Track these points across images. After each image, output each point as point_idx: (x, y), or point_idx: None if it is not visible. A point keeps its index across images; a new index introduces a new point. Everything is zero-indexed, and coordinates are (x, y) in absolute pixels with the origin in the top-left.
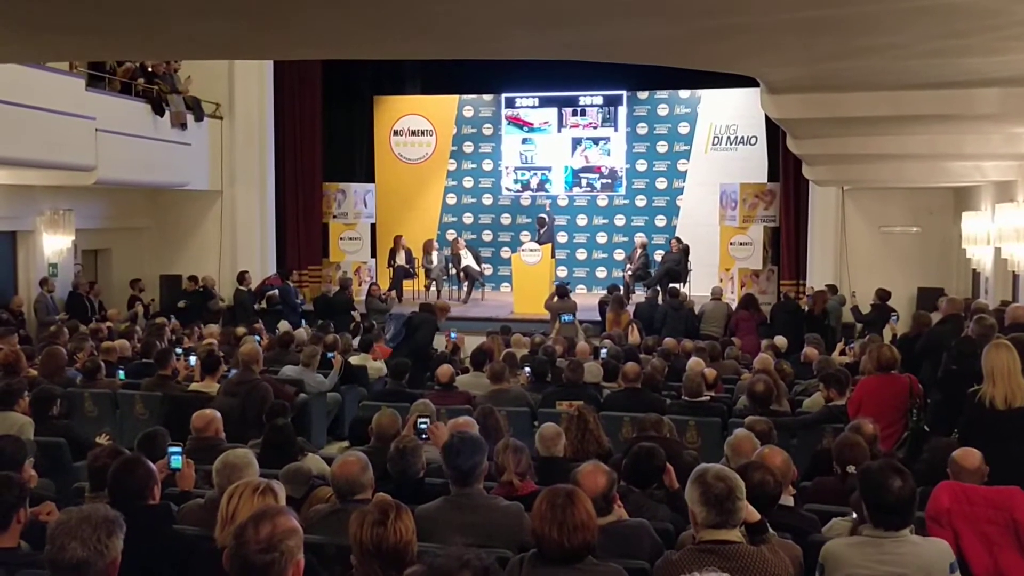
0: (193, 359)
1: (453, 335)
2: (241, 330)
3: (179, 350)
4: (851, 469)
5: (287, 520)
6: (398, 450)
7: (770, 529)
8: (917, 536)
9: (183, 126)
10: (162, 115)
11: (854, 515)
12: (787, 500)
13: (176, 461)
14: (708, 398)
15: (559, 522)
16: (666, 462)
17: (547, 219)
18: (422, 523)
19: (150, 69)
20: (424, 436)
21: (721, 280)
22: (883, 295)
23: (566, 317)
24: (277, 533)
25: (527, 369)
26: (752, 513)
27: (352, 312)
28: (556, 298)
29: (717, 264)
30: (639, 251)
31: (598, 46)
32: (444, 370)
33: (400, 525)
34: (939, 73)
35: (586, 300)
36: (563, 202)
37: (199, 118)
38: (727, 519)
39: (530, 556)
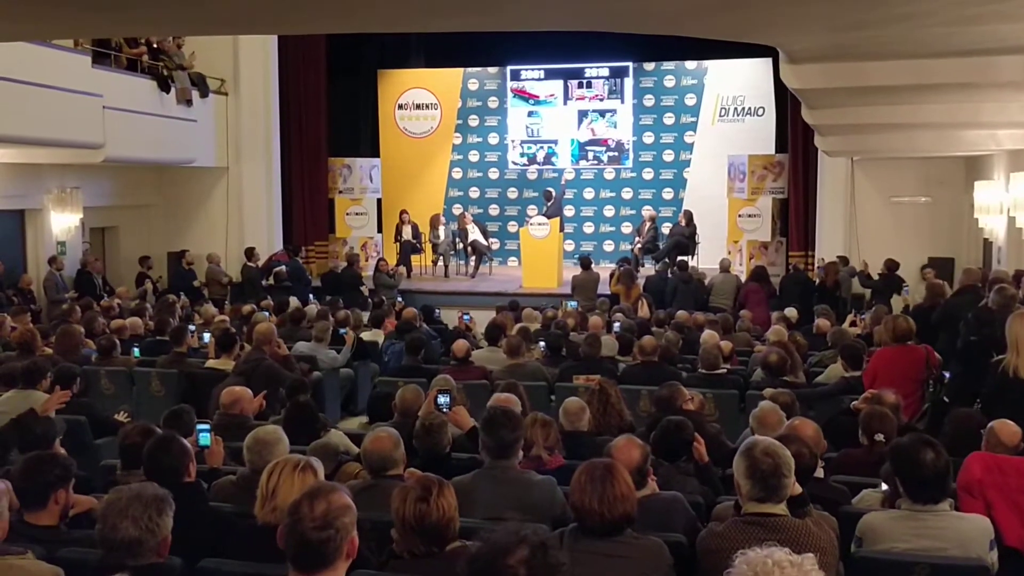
0: (207, 336)
1: (467, 317)
2: (248, 307)
3: (192, 327)
4: (879, 438)
5: (341, 497)
6: (424, 427)
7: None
8: (958, 512)
9: (189, 103)
10: (168, 92)
11: (884, 486)
12: (818, 472)
13: (205, 438)
14: (725, 370)
15: (599, 494)
16: (695, 434)
17: (554, 192)
18: (457, 495)
19: (155, 45)
20: (444, 411)
21: (729, 252)
22: (891, 265)
23: (571, 304)
24: (332, 510)
25: (542, 343)
26: (795, 487)
27: (360, 288)
28: (581, 270)
29: (725, 236)
30: (648, 224)
31: (620, 16)
32: (460, 345)
33: (443, 501)
34: (962, 41)
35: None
36: (570, 175)
37: (204, 94)
38: (772, 494)
39: (571, 529)
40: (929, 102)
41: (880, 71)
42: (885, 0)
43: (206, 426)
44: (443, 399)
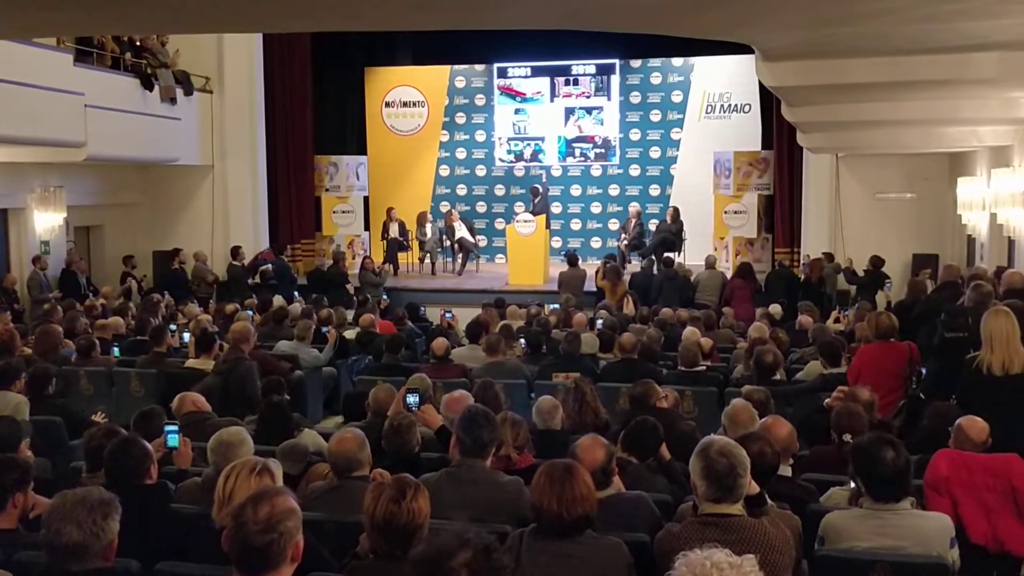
0: (187, 336)
1: (448, 315)
2: (231, 306)
3: (173, 326)
4: (847, 438)
5: (286, 500)
6: (392, 427)
7: (769, 500)
8: (919, 510)
9: (173, 101)
10: (151, 90)
11: (852, 484)
12: (785, 470)
13: (173, 439)
14: (704, 368)
15: (558, 495)
16: (662, 437)
17: (540, 189)
18: None
19: (138, 43)
20: (413, 410)
21: (716, 249)
22: (877, 262)
23: (553, 306)
24: (276, 514)
25: (522, 341)
26: (752, 486)
27: (346, 286)
28: (568, 267)
29: (711, 233)
30: (634, 220)
31: (593, 14)
32: (439, 343)
33: (415, 505)
34: (937, 38)
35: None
36: (556, 172)
37: (188, 92)
38: (728, 494)
39: (530, 530)
40: (907, 99)
41: (856, 68)
42: None
43: (175, 427)
44: (412, 398)
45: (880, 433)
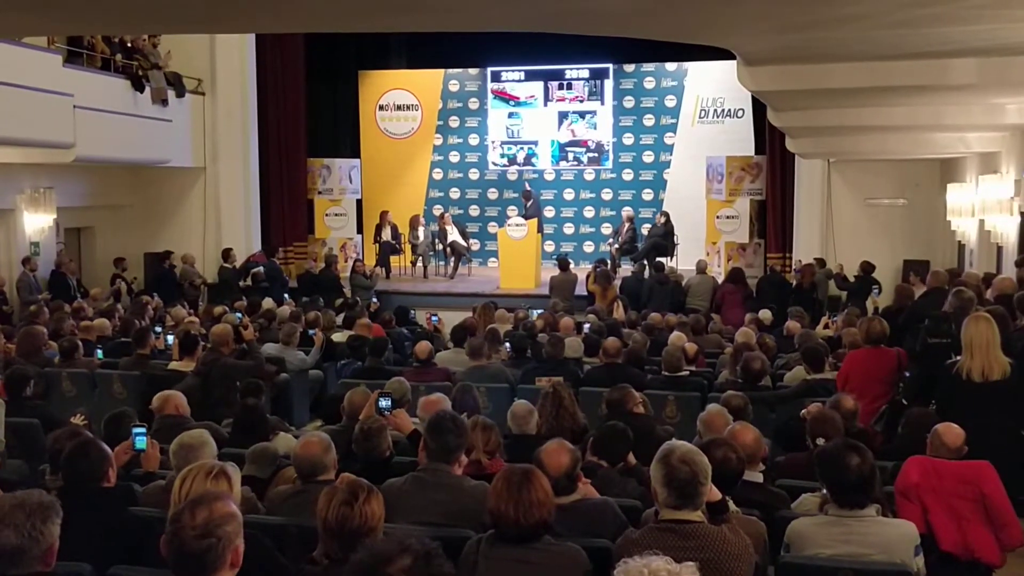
0: (171, 338)
1: (435, 318)
2: (220, 309)
3: (158, 328)
4: (820, 442)
5: (225, 505)
6: (363, 431)
7: (732, 507)
8: (884, 517)
9: (164, 102)
10: (142, 91)
11: (824, 490)
12: (756, 476)
13: (140, 441)
14: (687, 373)
15: (515, 500)
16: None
17: (532, 193)
18: (387, 499)
19: (129, 44)
20: (385, 414)
21: (708, 254)
22: (867, 268)
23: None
24: (214, 519)
25: (507, 345)
26: (713, 493)
27: (342, 289)
28: (559, 271)
29: (704, 238)
30: (626, 225)
31: (565, 17)
32: (422, 347)
33: (368, 508)
34: (913, 43)
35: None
36: (550, 176)
37: (180, 94)
38: (688, 502)
39: (488, 536)
40: (889, 104)
41: (835, 73)
42: (815, 2)
43: (142, 429)
44: (384, 402)
45: (847, 439)
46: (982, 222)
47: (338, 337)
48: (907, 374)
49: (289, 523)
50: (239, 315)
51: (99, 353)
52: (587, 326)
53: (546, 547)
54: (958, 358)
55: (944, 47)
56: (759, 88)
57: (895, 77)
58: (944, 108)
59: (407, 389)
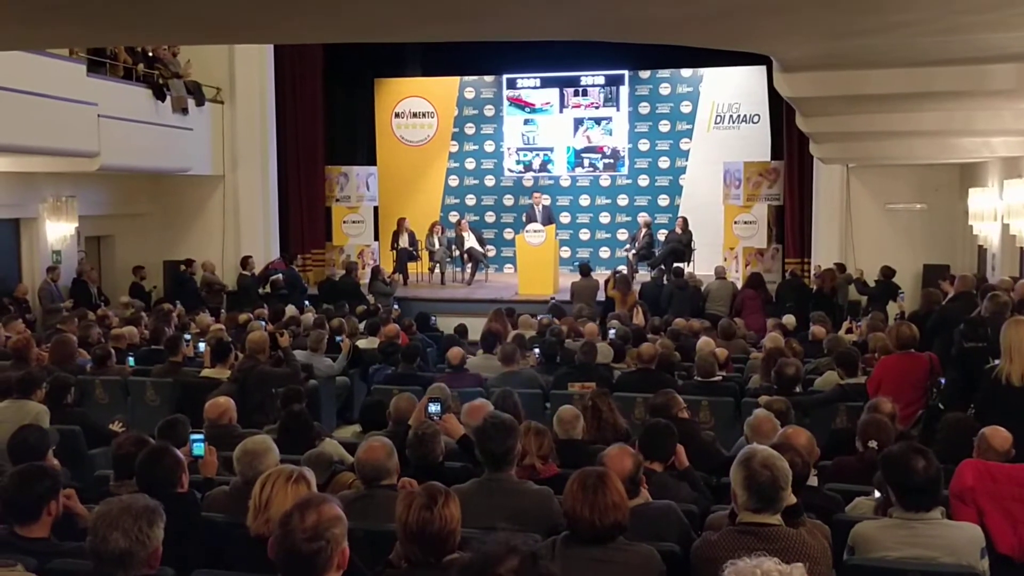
0: (202, 345)
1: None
2: (244, 316)
3: (187, 336)
4: (872, 444)
5: (332, 508)
6: (417, 436)
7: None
8: (950, 520)
9: (184, 111)
10: (163, 100)
11: (877, 493)
12: (810, 480)
13: (198, 448)
14: (720, 377)
15: (591, 502)
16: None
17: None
18: None
19: (151, 54)
20: (436, 419)
21: (725, 259)
22: (888, 272)
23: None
24: (323, 521)
25: (536, 350)
26: (790, 497)
27: (365, 295)
28: (580, 277)
29: (721, 243)
30: (643, 231)
31: (616, 25)
32: (454, 352)
33: (447, 512)
34: (955, 49)
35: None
36: (565, 182)
37: (200, 103)
38: (769, 505)
39: (563, 537)
40: (922, 110)
41: (873, 79)
42: (879, 7)
43: (200, 436)
44: (434, 407)
45: (912, 443)
46: (1006, 226)
47: (362, 343)
48: (941, 379)
49: (356, 528)
50: (263, 322)
51: (131, 360)
52: (612, 331)
53: (621, 548)
54: (997, 362)
55: (985, 52)
56: (796, 94)
57: (934, 83)
58: (976, 113)
59: (449, 394)
